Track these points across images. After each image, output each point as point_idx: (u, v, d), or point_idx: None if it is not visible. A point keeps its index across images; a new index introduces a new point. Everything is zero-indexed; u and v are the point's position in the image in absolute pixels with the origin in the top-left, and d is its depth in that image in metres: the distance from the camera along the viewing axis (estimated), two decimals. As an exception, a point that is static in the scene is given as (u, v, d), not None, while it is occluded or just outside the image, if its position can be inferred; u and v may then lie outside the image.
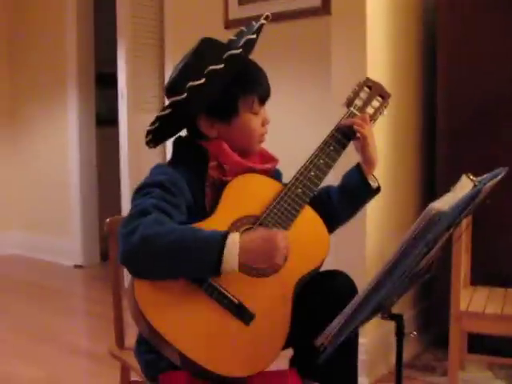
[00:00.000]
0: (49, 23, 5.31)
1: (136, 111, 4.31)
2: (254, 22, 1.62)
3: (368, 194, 1.73)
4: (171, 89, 1.61)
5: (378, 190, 1.73)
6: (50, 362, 3.11)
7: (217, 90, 1.56)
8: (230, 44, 1.63)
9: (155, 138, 1.67)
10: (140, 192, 1.52)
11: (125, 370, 1.91)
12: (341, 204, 1.73)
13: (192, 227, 1.44)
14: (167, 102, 1.59)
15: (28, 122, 5.57)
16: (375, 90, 1.76)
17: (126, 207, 4.32)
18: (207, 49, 1.60)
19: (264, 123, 1.66)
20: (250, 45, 1.59)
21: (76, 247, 5.22)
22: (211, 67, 1.51)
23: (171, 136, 1.70)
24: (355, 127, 1.66)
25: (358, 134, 1.66)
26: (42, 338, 3.46)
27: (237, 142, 1.62)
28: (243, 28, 1.67)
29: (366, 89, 1.76)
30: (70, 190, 5.24)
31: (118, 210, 4.34)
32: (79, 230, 5.20)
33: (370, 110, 1.75)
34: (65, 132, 5.25)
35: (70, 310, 4.11)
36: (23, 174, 5.68)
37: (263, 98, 1.64)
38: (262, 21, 1.60)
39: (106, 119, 5.33)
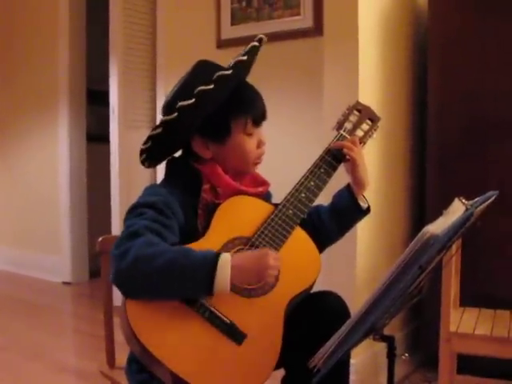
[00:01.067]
0: (41, 39, 5.32)
1: (127, 128, 4.31)
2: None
3: (358, 214, 1.76)
4: (165, 108, 1.62)
5: (368, 210, 1.76)
6: (38, 379, 3.08)
7: (208, 111, 1.57)
8: (225, 66, 1.65)
9: (149, 157, 1.68)
10: (133, 212, 1.52)
11: (115, 389, 1.90)
12: (331, 224, 1.75)
13: (184, 248, 1.44)
14: (158, 121, 1.60)
15: (18, 137, 5.56)
16: (365, 113, 1.80)
17: (116, 224, 4.31)
18: (202, 70, 1.61)
19: (260, 145, 1.67)
20: (242, 66, 1.60)
21: (65, 264, 5.19)
22: (200, 87, 1.52)
23: (166, 156, 1.70)
24: (345, 150, 1.68)
25: (348, 157, 1.68)
26: (29, 355, 3.43)
27: (232, 163, 1.64)
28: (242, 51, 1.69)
29: (355, 112, 1.80)
30: (60, 207, 5.22)
31: (108, 227, 4.33)
32: (68, 247, 5.17)
33: (359, 133, 1.78)
34: (55, 148, 5.24)
35: (58, 328, 4.08)
36: (12, 189, 5.66)
37: (257, 119, 1.64)
38: (254, 43, 1.62)
39: (96, 136, 5.33)
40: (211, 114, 1.59)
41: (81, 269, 5.24)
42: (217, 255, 1.41)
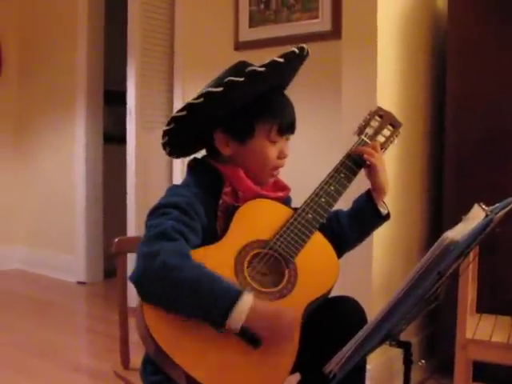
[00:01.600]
0: (60, 39, 5.35)
1: (144, 129, 4.32)
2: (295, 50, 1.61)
3: (378, 220, 1.74)
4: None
5: (387, 216, 1.75)
6: (52, 378, 3.10)
7: (234, 103, 1.57)
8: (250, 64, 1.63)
9: (171, 143, 1.66)
10: (156, 212, 1.51)
11: (129, 390, 1.89)
12: (350, 229, 1.74)
13: (211, 272, 1.41)
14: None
15: (35, 137, 5.59)
16: (386, 118, 1.78)
17: (131, 225, 4.32)
18: (237, 66, 1.60)
19: (281, 156, 1.64)
20: (276, 67, 1.57)
21: (80, 264, 5.21)
22: (230, 78, 1.52)
23: (188, 145, 1.70)
24: (365, 156, 1.67)
25: (368, 163, 1.67)
26: (43, 354, 3.44)
27: (249, 167, 1.62)
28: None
29: (377, 117, 1.78)
30: (76, 207, 5.24)
31: (123, 228, 4.34)
32: (83, 247, 5.19)
33: (380, 139, 1.77)
34: (72, 148, 5.27)
35: (72, 327, 4.10)
36: (29, 189, 5.68)
37: (284, 128, 1.62)
38: (293, 49, 1.60)
39: (113, 136, 5.35)
40: (238, 112, 1.58)
41: (95, 269, 5.26)
42: (239, 293, 1.38)
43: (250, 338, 1.42)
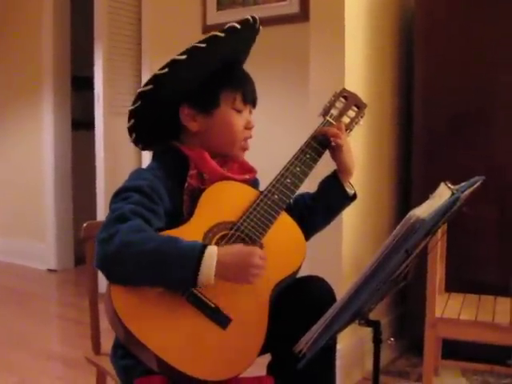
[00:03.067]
0: (25, 26, 5.25)
1: (112, 115, 4.28)
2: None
3: (345, 200, 1.76)
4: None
5: (354, 197, 1.77)
6: (23, 367, 3.08)
7: (197, 69, 1.57)
8: None
9: (139, 136, 1.67)
10: (118, 196, 1.51)
11: (101, 375, 1.89)
12: (318, 210, 1.75)
13: (171, 236, 1.42)
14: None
15: (2, 124, 5.51)
16: (351, 100, 1.80)
17: (101, 211, 4.30)
18: (202, 39, 1.59)
19: (248, 126, 1.66)
20: (234, 32, 1.58)
21: (50, 251, 5.17)
22: (173, 57, 1.53)
23: (155, 135, 1.69)
24: (330, 137, 1.68)
25: (333, 143, 1.68)
26: (14, 342, 3.42)
27: (218, 140, 1.63)
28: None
29: (341, 99, 1.80)
30: (45, 194, 5.19)
31: (93, 215, 4.31)
32: (53, 234, 5.15)
33: (346, 120, 1.78)
34: (40, 135, 5.20)
35: (43, 315, 4.06)
36: (-4, 176, 5.62)
37: (247, 97, 1.65)
38: (248, 17, 1.62)
39: (81, 122, 5.29)
40: (202, 84, 1.60)
41: (66, 256, 5.22)
42: (203, 247, 1.39)
43: (219, 317, 1.43)
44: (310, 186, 1.75)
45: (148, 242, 1.37)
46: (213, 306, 1.44)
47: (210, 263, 1.37)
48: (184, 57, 1.54)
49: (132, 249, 1.36)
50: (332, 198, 1.75)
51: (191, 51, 1.54)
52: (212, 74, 1.61)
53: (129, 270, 1.38)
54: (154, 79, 1.56)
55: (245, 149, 1.69)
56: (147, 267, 1.37)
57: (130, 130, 1.66)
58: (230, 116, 1.63)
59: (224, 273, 1.41)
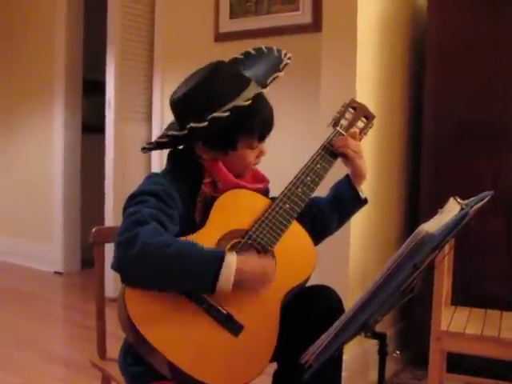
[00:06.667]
0: (39, 28, 5.29)
1: (123, 119, 4.30)
2: (264, 48, 1.69)
3: (357, 203, 1.79)
4: (181, 107, 1.62)
5: (366, 200, 1.80)
6: (27, 368, 3.08)
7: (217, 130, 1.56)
8: (241, 73, 1.67)
9: (153, 148, 1.71)
10: (134, 199, 1.51)
11: (106, 380, 1.89)
12: (330, 213, 1.78)
13: (191, 242, 1.44)
14: (186, 126, 1.56)
15: (13, 126, 5.54)
16: (360, 111, 1.82)
17: (109, 215, 4.30)
18: (216, 73, 1.60)
19: (259, 156, 1.68)
20: (259, 100, 1.59)
21: (57, 254, 5.18)
22: (215, 114, 1.52)
23: (165, 147, 1.71)
24: (339, 149, 1.71)
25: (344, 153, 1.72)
26: (19, 344, 3.43)
27: (230, 168, 1.64)
28: (251, 50, 1.70)
29: (350, 110, 1.81)
30: (53, 197, 5.21)
31: (101, 218, 4.32)
32: (61, 237, 5.17)
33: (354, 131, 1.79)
34: (50, 137, 5.23)
35: (48, 317, 4.07)
36: (6, 178, 5.64)
37: (264, 135, 1.66)
38: (287, 60, 1.71)
39: (91, 126, 5.31)
40: (219, 129, 1.56)
41: (73, 259, 5.24)
42: (223, 255, 1.40)
43: (231, 325, 1.44)
44: (319, 189, 1.76)
45: (169, 246, 1.38)
46: (225, 313, 1.45)
47: (230, 271, 1.39)
48: (204, 124, 1.51)
49: (153, 252, 1.37)
50: (345, 201, 1.78)
51: (212, 121, 1.52)
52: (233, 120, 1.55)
53: (147, 273, 1.39)
54: (172, 138, 1.60)
55: (252, 169, 1.71)
56: (167, 270, 1.38)
57: (156, 143, 1.68)
58: (244, 156, 1.64)
59: (240, 282, 1.42)
